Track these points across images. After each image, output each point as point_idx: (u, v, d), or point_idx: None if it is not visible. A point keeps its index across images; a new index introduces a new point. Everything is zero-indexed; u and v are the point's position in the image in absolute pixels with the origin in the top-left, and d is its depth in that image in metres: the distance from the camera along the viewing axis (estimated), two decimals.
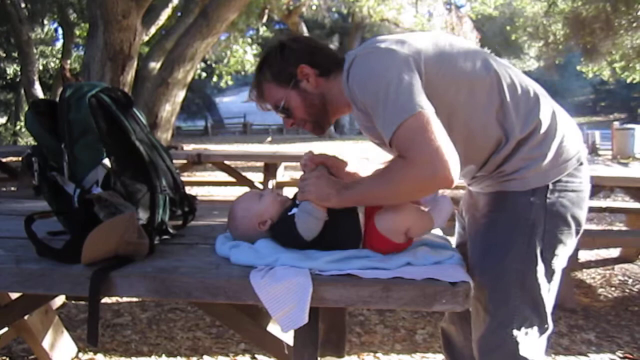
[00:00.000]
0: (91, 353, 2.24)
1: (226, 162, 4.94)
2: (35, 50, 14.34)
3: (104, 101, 1.32)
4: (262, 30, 15.97)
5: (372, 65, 1.16)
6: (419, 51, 1.18)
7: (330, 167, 1.29)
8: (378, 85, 1.12)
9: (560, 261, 1.27)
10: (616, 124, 14.81)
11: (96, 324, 1.08)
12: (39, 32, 17.56)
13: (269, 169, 4.67)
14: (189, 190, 2.80)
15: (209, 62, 14.75)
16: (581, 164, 1.27)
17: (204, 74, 14.87)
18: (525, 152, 1.21)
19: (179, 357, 2.24)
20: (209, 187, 6.75)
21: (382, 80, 1.12)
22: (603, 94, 41.17)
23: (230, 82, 14.65)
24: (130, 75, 6.62)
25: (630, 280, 3.44)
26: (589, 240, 3.11)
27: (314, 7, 15.86)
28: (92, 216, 1.17)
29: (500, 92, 1.21)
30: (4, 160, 4.63)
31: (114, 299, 2.77)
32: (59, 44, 19.11)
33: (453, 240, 1.46)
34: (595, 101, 43.03)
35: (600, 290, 3.25)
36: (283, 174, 5.12)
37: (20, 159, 4.86)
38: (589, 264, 3.77)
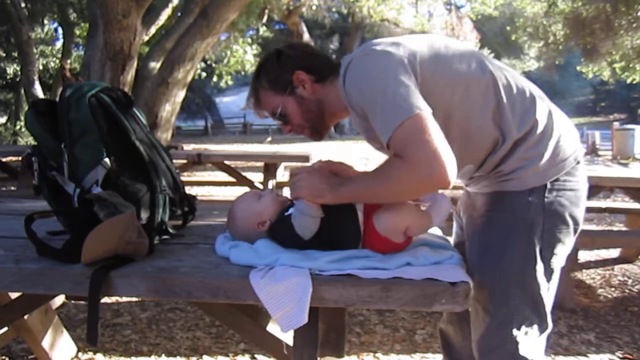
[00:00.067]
0: (91, 353, 2.24)
1: (226, 162, 4.93)
2: (35, 50, 14.33)
3: (104, 101, 1.32)
4: (262, 30, 15.96)
5: (368, 68, 1.17)
6: (415, 53, 1.18)
7: (337, 173, 1.29)
8: (374, 87, 1.12)
9: (559, 260, 1.27)
10: (616, 124, 14.82)
11: (96, 323, 1.08)
12: (39, 31, 17.56)
13: (269, 169, 4.67)
14: (189, 190, 2.79)
15: (209, 62, 14.74)
16: (578, 162, 1.28)
17: (204, 74, 14.87)
18: (522, 152, 1.22)
19: (178, 357, 2.24)
20: (209, 187, 6.75)
21: (378, 82, 1.12)
22: (603, 95, 41.16)
23: (230, 82, 14.65)
24: (130, 75, 6.62)
25: (630, 281, 3.44)
26: (588, 240, 3.11)
27: (314, 7, 15.85)
28: (92, 216, 1.17)
29: (496, 92, 1.21)
30: (4, 160, 4.62)
31: (113, 299, 2.77)
32: (59, 44, 19.11)
33: (451, 240, 1.47)
34: (595, 101, 43.02)
35: (600, 290, 3.26)
36: (283, 174, 5.12)
37: (20, 158, 4.85)
38: (588, 265, 3.77)
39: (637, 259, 3.88)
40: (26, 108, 1.97)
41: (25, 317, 1.86)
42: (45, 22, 17.27)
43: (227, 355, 2.26)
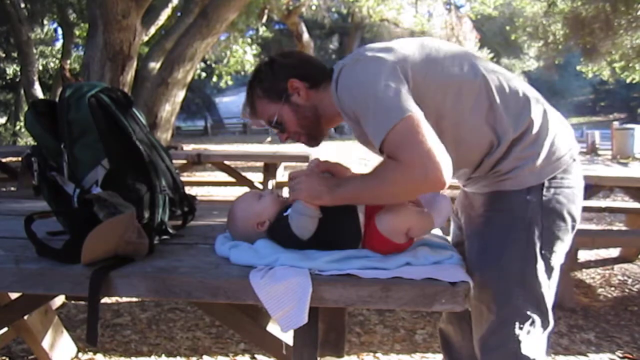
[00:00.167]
0: (91, 353, 2.24)
1: (226, 162, 4.93)
2: (35, 51, 14.32)
3: (104, 101, 1.32)
4: (262, 30, 15.97)
5: (359, 74, 1.18)
6: (406, 57, 1.20)
7: (334, 174, 1.30)
8: (366, 92, 1.14)
9: (558, 258, 1.28)
10: (616, 123, 14.85)
11: (96, 324, 1.08)
12: (38, 32, 17.55)
13: (269, 169, 4.67)
14: (189, 190, 2.79)
15: (208, 62, 14.74)
16: (574, 160, 1.29)
17: (203, 74, 14.87)
18: (518, 151, 1.23)
19: (178, 357, 2.24)
20: (209, 187, 6.75)
21: (369, 87, 1.13)
22: (603, 94, 41.18)
23: (230, 82, 14.66)
24: (130, 75, 6.61)
25: (629, 280, 3.44)
26: (588, 240, 3.11)
27: (313, 7, 15.85)
28: (92, 216, 1.17)
29: (489, 94, 1.22)
30: (3, 160, 4.62)
31: (113, 299, 2.77)
32: (58, 44, 19.09)
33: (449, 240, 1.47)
34: (595, 101, 43.03)
35: (599, 290, 3.26)
36: (283, 174, 5.12)
37: (20, 159, 4.86)
38: (588, 264, 3.77)
39: (637, 258, 3.88)
40: (26, 108, 1.97)
41: (25, 317, 1.86)
42: (45, 22, 17.26)
43: (227, 355, 2.26)
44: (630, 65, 12.94)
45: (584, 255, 3.91)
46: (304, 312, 1.03)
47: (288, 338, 1.37)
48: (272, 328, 1.52)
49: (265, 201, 1.27)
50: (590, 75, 15.54)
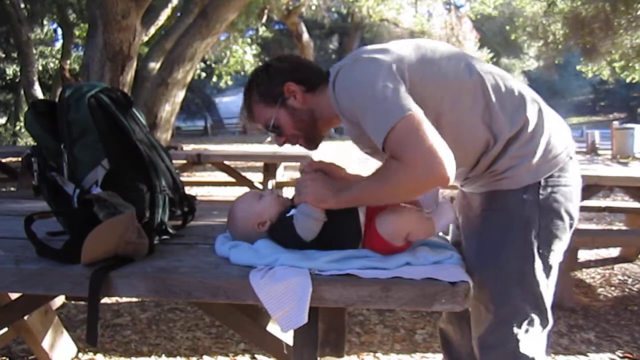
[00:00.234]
0: (91, 353, 2.24)
1: (226, 162, 4.94)
2: (34, 51, 14.32)
3: (104, 101, 1.32)
4: (262, 30, 15.97)
5: (357, 75, 1.18)
6: (402, 58, 1.20)
7: (328, 173, 1.31)
8: (364, 93, 1.14)
9: (556, 256, 1.28)
10: (616, 123, 14.84)
11: (96, 324, 1.08)
12: (38, 32, 17.53)
13: (269, 169, 4.67)
14: (189, 190, 2.79)
15: (208, 62, 14.74)
16: (571, 158, 1.29)
17: (203, 74, 14.87)
18: (514, 150, 1.23)
19: (178, 357, 2.24)
20: (209, 187, 6.75)
21: (367, 88, 1.14)
22: (602, 94, 41.15)
23: (229, 82, 14.65)
24: (129, 76, 6.61)
25: (629, 280, 3.44)
26: (588, 239, 3.11)
27: (313, 7, 15.85)
28: (92, 216, 1.17)
29: (485, 93, 1.23)
30: (3, 160, 4.62)
31: (113, 299, 2.77)
32: (58, 45, 19.08)
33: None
34: (595, 101, 43.01)
35: (599, 289, 3.26)
36: (283, 174, 5.12)
37: (19, 159, 4.85)
38: (588, 264, 3.77)
39: (637, 258, 3.88)
40: (26, 109, 1.97)
41: (25, 317, 1.86)
42: (45, 22, 17.25)
43: (227, 355, 2.26)
44: (630, 64, 12.93)
45: (584, 255, 3.91)
46: (304, 312, 1.03)
47: (288, 338, 1.37)
48: (272, 328, 1.52)
49: (265, 201, 1.27)
50: (590, 75, 15.53)
